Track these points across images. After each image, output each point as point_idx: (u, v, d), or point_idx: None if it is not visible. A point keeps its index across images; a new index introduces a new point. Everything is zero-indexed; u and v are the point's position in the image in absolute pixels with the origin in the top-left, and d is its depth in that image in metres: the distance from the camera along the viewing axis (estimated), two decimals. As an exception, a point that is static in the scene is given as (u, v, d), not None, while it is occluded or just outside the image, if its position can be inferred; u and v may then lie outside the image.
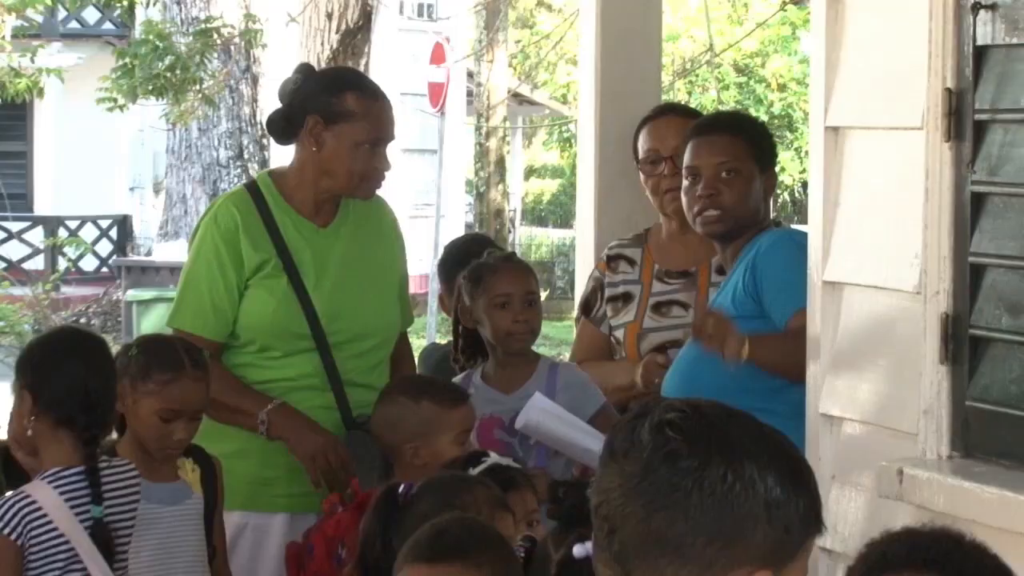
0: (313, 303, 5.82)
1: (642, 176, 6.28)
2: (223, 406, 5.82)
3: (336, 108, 5.84)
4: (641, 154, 6.24)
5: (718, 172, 5.83)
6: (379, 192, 6.01)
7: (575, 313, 6.71)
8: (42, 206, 33.81)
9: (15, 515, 5.02)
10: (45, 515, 5.03)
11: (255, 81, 25.18)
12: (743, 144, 5.98)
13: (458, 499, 4.69)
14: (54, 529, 5.02)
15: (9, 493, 5.14)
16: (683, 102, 26.66)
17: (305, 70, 6.15)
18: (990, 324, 4.95)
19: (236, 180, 26.87)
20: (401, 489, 4.65)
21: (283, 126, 5.98)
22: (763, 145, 5.99)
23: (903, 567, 2.93)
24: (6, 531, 5.02)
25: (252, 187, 6.01)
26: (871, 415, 5.30)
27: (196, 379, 5.36)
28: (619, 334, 6.27)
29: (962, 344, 5.02)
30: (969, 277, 5.00)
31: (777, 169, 6.14)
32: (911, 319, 5.12)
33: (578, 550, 4.07)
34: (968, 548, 2.96)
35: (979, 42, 4.94)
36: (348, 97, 5.87)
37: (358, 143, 5.83)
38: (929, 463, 5.05)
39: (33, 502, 5.04)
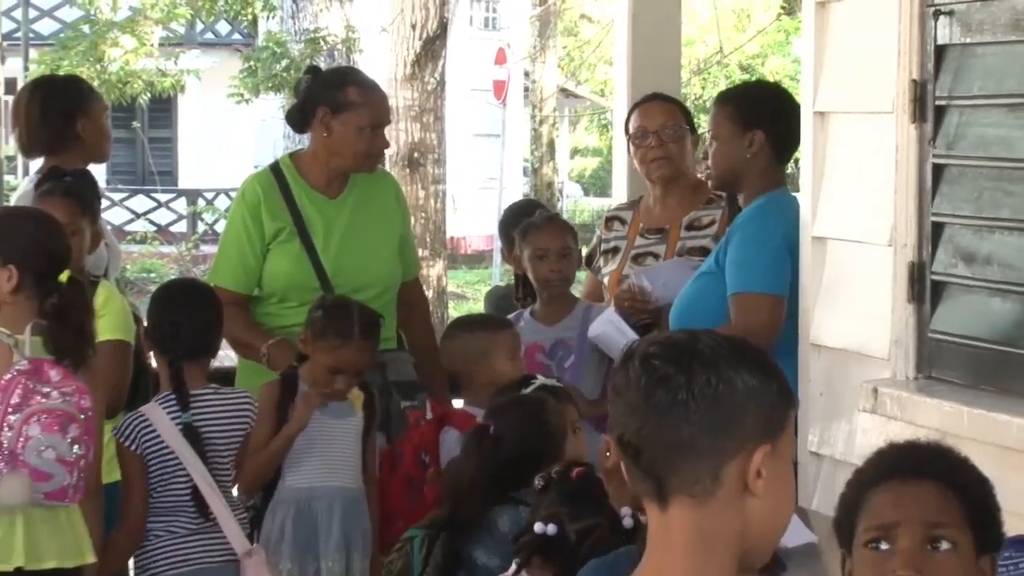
0: (322, 262, 5.79)
1: (632, 148, 6.23)
2: (238, 343, 5.87)
3: (341, 100, 5.80)
4: (632, 131, 6.18)
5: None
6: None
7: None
8: (185, 181, 33.85)
9: (132, 430, 5.03)
10: (153, 429, 5.04)
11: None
12: (727, 107, 5.91)
13: (539, 419, 4.66)
14: (160, 439, 5.04)
15: (129, 414, 5.16)
16: (697, 97, 26.63)
17: (313, 71, 6.13)
18: (948, 271, 4.94)
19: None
20: (491, 430, 4.60)
21: (298, 118, 5.98)
22: (744, 109, 5.89)
23: (915, 476, 2.89)
24: (126, 443, 5.04)
25: (275, 167, 5.98)
26: (851, 344, 5.29)
27: (362, 347, 5.35)
28: (605, 280, 6.22)
29: (925, 287, 5.01)
30: (931, 232, 4.98)
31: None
32: (884, 267, 5.11)
33: (538, 527, 4.08)
34: (961, 461, 2.93)
35: (939, 42, 4.92)
36: (350, 90, 5.84)
37: (361, 127, 5.80)
38: (899, 383, 5.03)
39: (145, 419, 5.06)
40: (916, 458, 2.95)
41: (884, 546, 2.83)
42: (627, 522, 3.90)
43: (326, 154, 5.85)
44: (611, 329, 5.83)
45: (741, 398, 2.42)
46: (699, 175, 6.39)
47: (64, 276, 4.79)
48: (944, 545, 2.82)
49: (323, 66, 6.17)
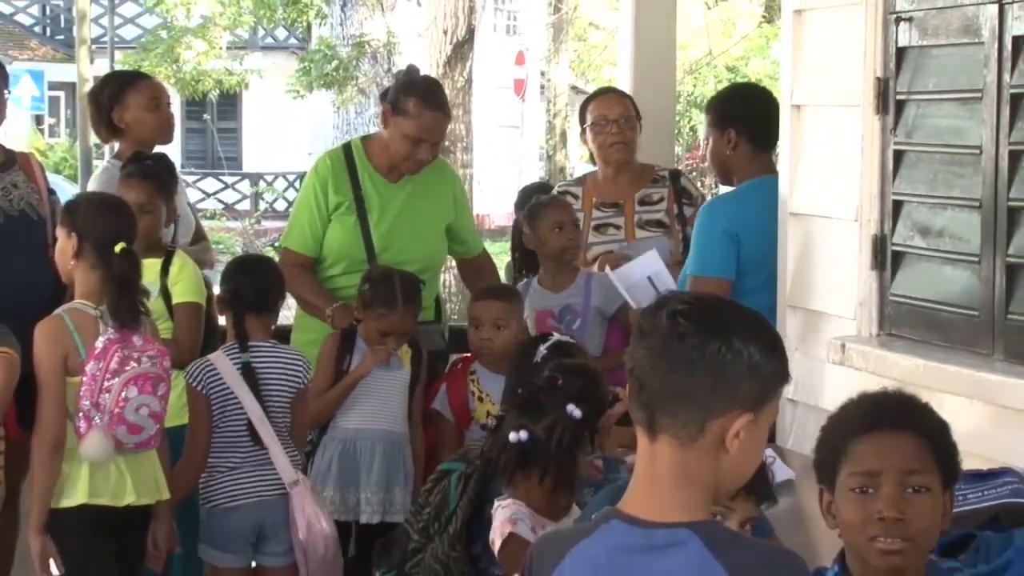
0: (372, 237, 5.73)
1: (590, 135, 6.22)
2: (305, 302, 5.82)
3: (401, 105, 5.70)
4: (592, 119, 6.18)
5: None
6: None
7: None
8: (248, 165, 33.91)
9: (200, 374, 5.02)
10: (217, 372, 5.03)
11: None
12: (709, 114, 5.93)
13: (574, 360, 4.63)
14: (222, 381, 5.03)
15: (198, 360, 5.16)
16: (689, 93, 26.60)
17: (409, 70, 6.04)
18: (906, 242, 4.93)
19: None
20: (559, 382, 4.57)
21: (382, 103, 5.89)
22: (719, 112, 5.88)
23: (894, 428, 2.89)
24: (195, 384, 5.03)
25: (347, 147, 5.90)
26: (822, 305, 5.29)
27: (405, 314, 5.35)
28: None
29: (886, 256, 5.00)
30: (891, 209, 4.97)
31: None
32: (850, 239, 5.10)
33: (512, 436, 4.08)
34: (927, 409, 2.93)
35: (900, 44, 4.91)
36: (412, 101, 5.70)
37: (404, 135, 5.69)
38: (863, 339, 5.03)
39: (211, 364, 5.05)
40: (893, 411, 2.94)
41: (869, 491, 2.83)
42: (576, 414, 4.04)
43: (386, 145, 5.79)
44: (647, 282, 5.83)
45: (742, 369, 2.42)
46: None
47: (118, 248, 4.77)
48: (921, 488, 2.82)
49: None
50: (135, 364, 4.66)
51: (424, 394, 5.53)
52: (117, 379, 4.62)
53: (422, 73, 5.99)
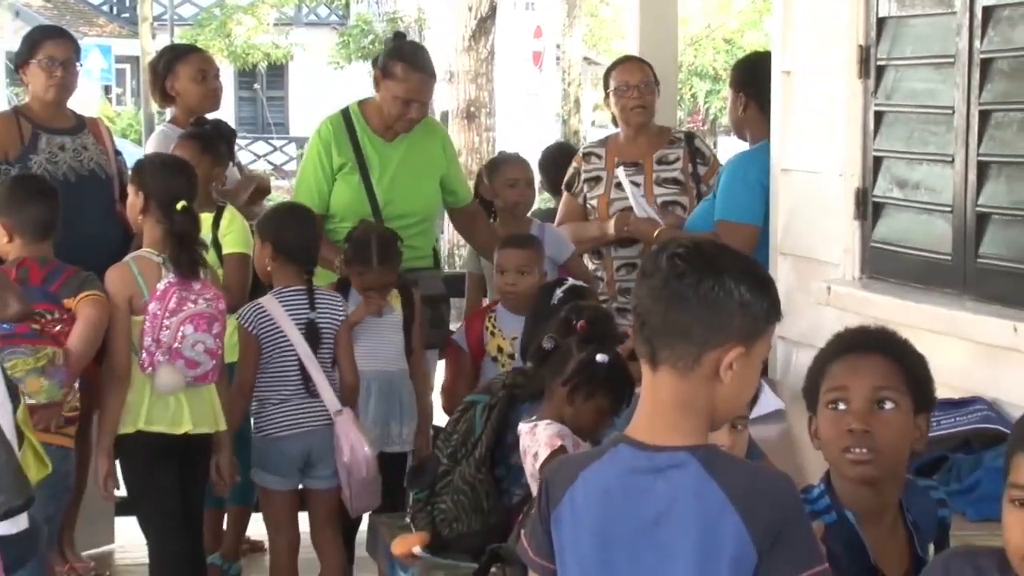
0: (376, 193, 5.65)
1: (613, 99, 6.13)
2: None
3: (390, 69, 5.63)
4: (614, 86, 6.09)
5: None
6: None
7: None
8: (295, 130, 33.77)
9: (252, 316, 4.99)
10: (270, 315, 5.00)
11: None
12: (730, 77, 5.94)
13: (586, 302, 4.60)
14: (275, 324, 5.01)
15: (249, 303, 5.12)
16: (690, 63, 26.57)
17: (396, 36, 6.01)
18: (885, 195, 4.92)
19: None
20: (579, 325, 4.52)
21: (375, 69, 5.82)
22: (735, 77, 5.90)
23: (865, 350, 2.89)
24: (247, 325, 4.99)
25: (345, 112, 5.81)
26: (810, 252, 5.27)
27: (381, 271, 5.23)
28: (594, 203, 6.11)
29: (868, 207, 4.99)
30: (872, 164, 4.96)
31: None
32: (836, 191, 5.09)
33: (600, 357, 4.05)
34: (902, 340, 2.92)
35: (880, 15, 4.89)
36: (399, 65, 5.63)
37: (395, 97, 5.63)
38: (847, 282, 5.02)
39: (263, 308, 5.02)
40: (867, 337, 2.94)
41: (841, 406, 2.82)
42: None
43: (380, 108, 5.72)
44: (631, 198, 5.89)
45: (734, 306, 2.40)
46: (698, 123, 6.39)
47: (179, 206, 4.77)
48: (888, 405, 2.80)
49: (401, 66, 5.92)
50: (192, 305, 4.68)
51: (421, 331, 5.45)
52: (175, 318, 4.65)
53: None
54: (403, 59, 5.71)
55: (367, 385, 5.20)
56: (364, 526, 5.08)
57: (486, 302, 5.96)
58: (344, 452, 4.96)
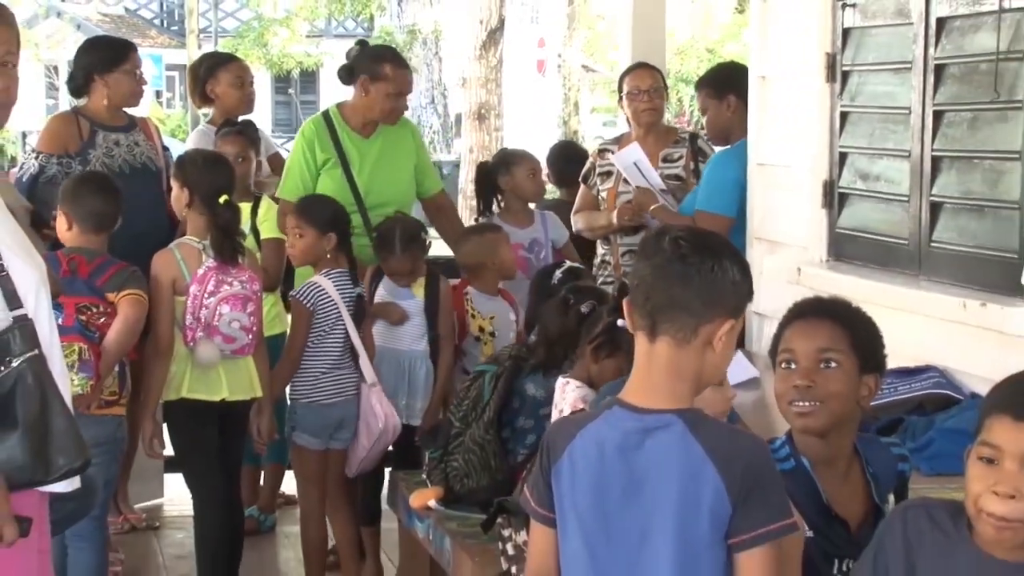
0: (357, 184, 5.59)
1: (626, 102, 6.08)
2: None
3: (378, 72, 5.58)
4: (627, 89, 6.05)
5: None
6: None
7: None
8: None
9: (311, 293, 4.97)
10: (326, 292, 4.98)
11: (440, 60, 25.13)
12: (705, 89, 5.90)
13: (583, 282, 4.58)
14: (331, 300, 4.98)
15: (306, 281, 5.05)
16: (677, 71, 26.56)
17: (362, 44, 5.92)
18: (850, 186, 4.91)
19: (432, 114, 26.78)
20: (555, 277, 4.45)
21: (345, 76, 5.73)
22: (717, 84, 5.86)
23: (813, 315, 2.89)
24: (304, 301, 4.96)
25: (326, 114, 5.77)
26: (782, 237, 5.27)
27: (403, 258, 5.15)
28: (604, 194, 6.06)
29: (834, 197, 4.99)
30: (838, 159, 4.95)
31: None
32: (806, 183, 5.08)
33: (621, 322, 4.02)
34: (853, 308, 2.92)
35: (845, 25, 4.89)
36: (385, 66, 5.61)
37: (388, 94, 5.58)
38: (815, 264, 5.02)
39: (319, 286, 5.00)
40: (819, 304, 2.96)
41: (792, 366, 2.82)
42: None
43: (363, 108, 5.66)
44: (633, 167, 5.85)
45: (728, 285, 2.43)
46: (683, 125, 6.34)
47: (222, 200, 4.76)
48: (832, 364, 2.79)
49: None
50: (228, 287, 4.67)
51: (447, 320, 5.29)
52: (213, 299, 4.64)
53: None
54: (388, 60, 5.70)
55: (392, 362, 5.15)
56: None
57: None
58: (381, 420, 4.95)
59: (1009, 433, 2.28)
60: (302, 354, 4.98)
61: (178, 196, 4.85)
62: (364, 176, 5.62)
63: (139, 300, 4.63)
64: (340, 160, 5.61)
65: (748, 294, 2.48)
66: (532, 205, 6.05)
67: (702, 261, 2.41)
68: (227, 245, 4.69)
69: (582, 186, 6.22)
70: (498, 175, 5.90)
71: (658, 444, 2.39)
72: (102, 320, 4.55)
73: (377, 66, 5.62)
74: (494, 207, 5.93)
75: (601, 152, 6.20)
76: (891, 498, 2.85)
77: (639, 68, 6.21)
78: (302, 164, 5.63)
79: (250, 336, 4.72)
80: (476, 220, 5.94)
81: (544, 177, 6.39)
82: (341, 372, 5.00)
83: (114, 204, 4.77)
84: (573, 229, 6.17)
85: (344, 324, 4.99)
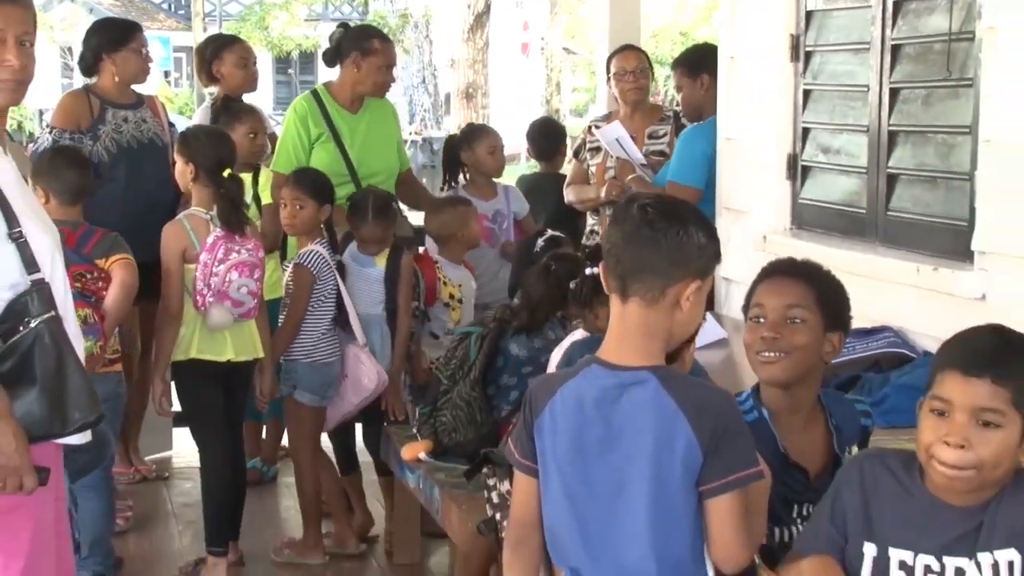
0: (350, 156, 5.56)
1: (613, 82, 6.06)
2: None
3: (367, 48, 5.55)
4: (614, 70, 6.03)
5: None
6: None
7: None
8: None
9: (313, 259, 4.92)
10: (325, 259, 4.96)
11: (430, 42, 25.03)
12: (680, 69, 5.88)
13: (563, 249, 4.57)
14: (329, 266, 4.96)
15: (307, 249, 4.98)
16: (652, 53, 26.50)
17: (345, 26, 5.86)
18: (812, 159, 4.91)
19: (423, 94, 26.67)
20: (553, 268, 4.43)
21: (331, 57, 5.71)
22: (691, 65, 5.84)
23: (783, 274, 2.89)
24: (310, 267, 4.92)
25: (315, 92, 5.73)
26: (748, 207, 5.25)
27: (374, 225, 5.06)
28: (592, 169, 6.06)
29: (797, 170, 4.98)
30: (801, 134, 4.95)
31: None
32: (771, 156, 5.07)
33: (588, 271, 4.02)
34: (820, 268, 2.91)
35: (808, 8, 4.89)
36: (374, 41, 5.61)
37: (379, 67, 5.56)
38: (779, 232, 5.02)
39: (320, 253, 4.96)
40: (790, 264, 2.95)
41: (761, 320, 2.82)
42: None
43: (352, 84, 5.61)
44: (615, 143, 5.82)
45: (694, 248, 2.41)
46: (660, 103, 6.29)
47: (226, 173, 4.74)
48: (798, 320, 2.78)
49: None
50: (236, 254, 4.65)
51: (406, 292, 5.13)
52: (223, 266, 4.62)
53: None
54: (375, 36, 5.71)
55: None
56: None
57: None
58: (372, 378, 4.94)
59: (959, 387, 2.30)
60: (303, 315, 4.95)
61: (183, 170, 4.81)
62: (356, 149, 5.59)
63: (129, 263, 4.63)
64: (332, 135, 5.58)
65: (714, 256, 2.46)
66: (524, 180, 6.01)
67: (669, 226, 2.40)
68: (234, 216, 4.68)
69: (574, 161, 6.21)
70: (461, 150, 5.87)
71: (633, 399, 2.39)
72: (98, 285, 4.54)
73: (366, 42, 5.60)
74: (461, 179, 5.89)
75: (591, 129, 6.19)
76: (854, 450, 2.85)
77: (626, 50, 6.19)
78: (296, 138, 5.60)
79: (256, 300, 4.72)
80: (442, 190, 5.89)
81: (525, 152, 6.36)
82: (334, 333, 4.99)
83: (88, 176, 4.74)
84: (565, 201, 6.16)
85: (338, 288, 4.97)
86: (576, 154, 6.18)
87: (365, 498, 5.26)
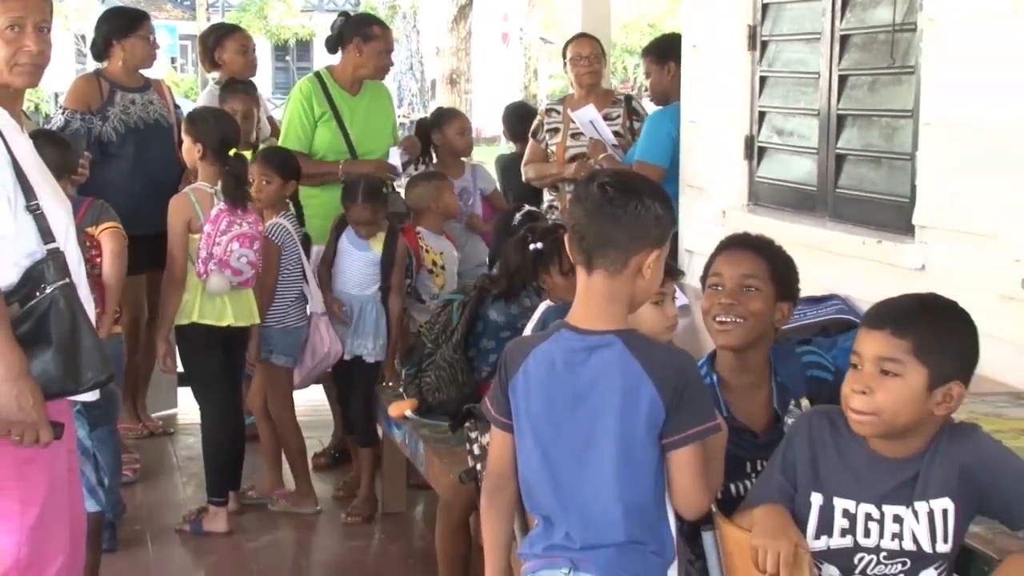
0: (349, 134, 5.55)
1: (569, 67, 6.04)
2: (316, 174, 5.45)
3: (369, 34, 5.54)
4: (570, 56, 6.01)
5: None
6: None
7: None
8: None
9: (277, 232, 4.90)
10: (288, 231, 4.94)
11: (417, 32, 24.90)
12: (648, 56, 5.87)
13: (539, 223, 4.56)
14: (292, 237, 4.94)
15: (271, 222, 4.94)
16: (623, 43, 26.44)
17: (345, 15, 5.82)
18: (767, 140, 4.90)
19: (411, 79, 26.55)
20: (516, 219, 4.39)
21: (334, 43, 5.67)
22: (659, 52, 5.82)
23: (740, 247, 2.89)
24: (275, 239, 4.90)
25: (317, 74, 5.70)
26: (709, 185, 5.25)
27: (363, 207, 4.99)
28: (553, 148, 6.02)
29: (754, 150, 4.98)
30: (758, 117, 4.94)
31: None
32: (729, 138, 5.06)
33: (531, 247, 4.04)
34: (773, 244, 2.92)
35: (765, 1, 4.87)
36: (374, 27, 5.62)
37: (379, 52, 5.55)
38: (738, 208, 5.02)
39: (283, 226, 4.95)
40: (745, 238, 2.95)
41: (719, 288, 2.83)
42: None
43: (353, 68, 5.58)
44: (589, 124, 5.79)
45: (651, 219, 2.40)
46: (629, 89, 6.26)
47: (232, 152, 4.74)
48: (752, 289, 2.80)
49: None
50: (238, 227, 4.64)
51: (400, 273, 5.09)
52: (225, 237, 4.61)
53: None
54: (375, 23, 5.70)
55: (349, 305, 4.99)
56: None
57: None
58: (327, 344, 4.93)
59: (865, 339, 2.35)
60: (276, 284, 4.93)
61: (190, 149, 4.79)
62: (356, 128, 5.58)
63: (117, 231, 4.59)
64: (334, 114, 5.56)
65: (670, 224, 2.44)
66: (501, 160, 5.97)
67: (626, 202, 2.38)
68: (238, 191, 4.68)
69: (531, 141, 6.18)
70: (432, 131, 5.84)
71: (601, 360, 2.39)
72: (92, 253, 4.51)
73: (367, 28, 5.60)
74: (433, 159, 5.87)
75: (548, 111, 6.16)
76: (804, 402, 2.86)
77: (580, 37, 6.18)
78: (301, 116, 5.58)
79: (254, 270, 4.70)
80: (416, 169, 5.85)
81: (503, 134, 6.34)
82: (302, 300, 4.97)
83: (68, 154, 4.55)
84: (524, 178, 6.14)
85: (302, 259, 4.95)
86: (534, 135, 6.15)
87: (374, 475, 5.06)
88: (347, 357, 4.98)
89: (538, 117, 6.21)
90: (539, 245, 4.03)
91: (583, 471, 2.40)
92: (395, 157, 5.62)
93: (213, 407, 4.81)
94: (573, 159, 5.91)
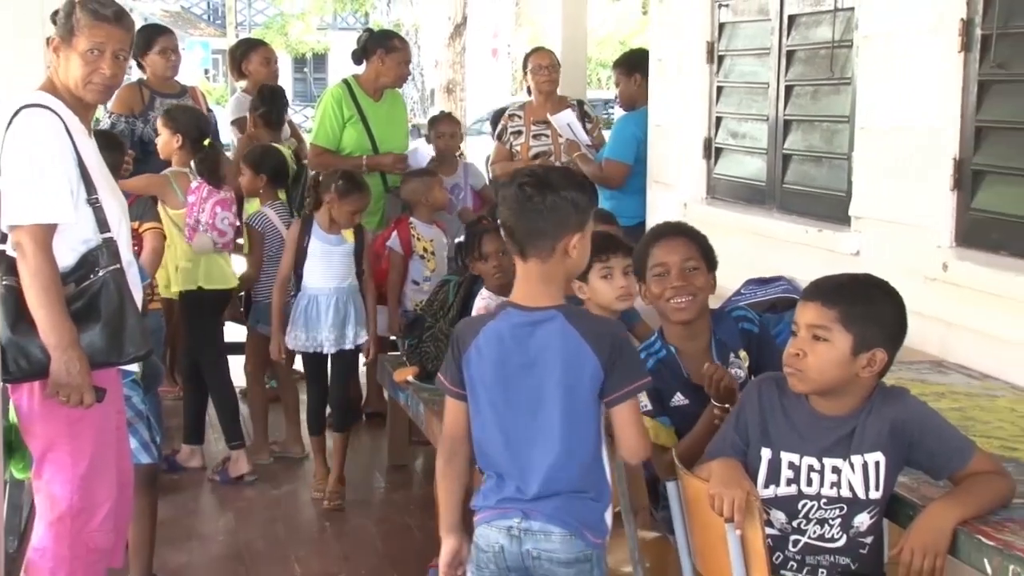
0: (374, 135, 5.53)
1: (530, 76, 5.97)
2: (345, 168, 5.26)
3: (391, 46, 5.52)
4: (531, 66, 5.96)
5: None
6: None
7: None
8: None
9: (258, 220, 4.89)
10: (270, 219, 4.95)
11: (418, 47, 24.80)
12: (619, 68, 5.83)
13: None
14: (274, 225, 4.94)
15: (255, 211, 4.93)
16: (598, 58, 26.34)
17: (369, 31, 5.79)
18: (724, 142, 4.88)
19: (411, 88, 26.49)
20: (482, 221, 4.37)
21: (359, 55, 5.61)
22: (627, 65, 5.78)
23: (673, 235, 2.90)
24: (255, 225, 4.90)
25: (346, 81, 5.66)
26: (672, 181, 5.23)
27: (364, 196, 4.80)
28: (517, 148, 5.95)
29: (711, 151, 4.96)
30: (715, 122, 4.92)
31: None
32: (690, 140, 5.05)
33: (455, 240, 4.04)
34: (693, 228, 2.93)
35: (721, 21, 4.85)
36: (395, 41, 5.60)
37: (399, 63, 5.53)
38: (697, 202, 5.00)
39: (264, 214, 4.94)
40: (673, 226, 2.97)
41: (666, 274, 2.84)
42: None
43: (375, 76, 5.56)
44: (567, 127, 5.74)
45: (570, 207, 2.37)
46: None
47: (206, 142, 4.79)
48: (695, 268, 2.85)
49: (397, 41, 5.62)
50: (218, 194, 4.68)
51: (368, 260, 4.93)
52: (208, 202, 4.63)
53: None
54: (395, 37, 5.69)
55: (325, 299, 4.71)
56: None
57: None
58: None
59: (801, 310, 2.38)
60: (260, 265, 4.94)
61: (168, 140, 4.83)
62: (379, 130, 5.58)
63: (159, 232, 4.49)
64: (360, 117, 5.55)
65: (588, 205, 2.40)
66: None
67: (544, 197, 2.35)
68: (213, 177, 4.68)
69: (496, 143, 6.14)
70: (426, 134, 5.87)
71: (545, 332, 2.36)
72: (135, 248, 4.48)
73: (389, 42, 5.60)
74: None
75: (511, 116, 6.09)
76: (743, 353, 2.88)
77: (540, 50, 6.18)
78: (332, 117, 5.56)
79: (232, 233, 4.71)
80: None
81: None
82: (291, 280, 4.78)
83: (119, 155, 4.41)
84: (490, 176, 6.12)
85: (284, 243, 4.83)
86: (499, 137, 6.11)
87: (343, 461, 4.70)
88: (332, 351, 4.68)
89: (502, 122, 6.14)
90: (460, 238, 4.07)
91: (533, 431, 2.38)
92: (420, 156, 5.63)
93: (221, 366, 4.82)
94: (536, 157, 5.89)
